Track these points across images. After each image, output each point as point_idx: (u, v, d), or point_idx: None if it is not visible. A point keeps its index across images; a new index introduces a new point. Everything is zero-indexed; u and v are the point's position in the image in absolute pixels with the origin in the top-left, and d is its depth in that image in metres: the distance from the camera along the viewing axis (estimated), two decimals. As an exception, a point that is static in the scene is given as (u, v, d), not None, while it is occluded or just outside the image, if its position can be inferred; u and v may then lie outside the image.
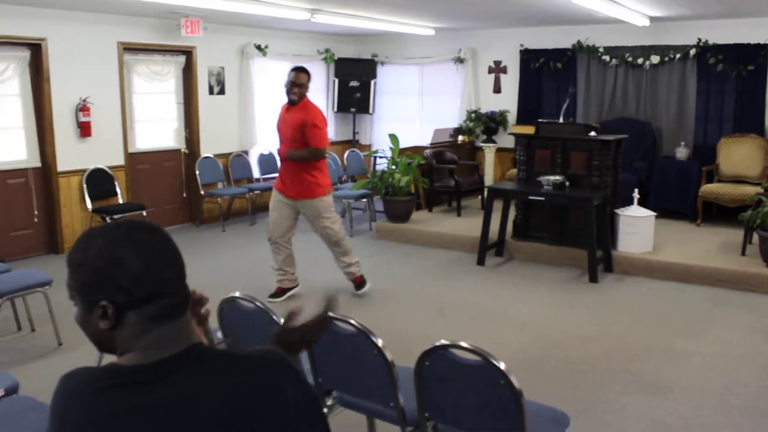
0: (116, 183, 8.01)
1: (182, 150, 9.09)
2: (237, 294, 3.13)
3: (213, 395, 1.18)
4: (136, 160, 8.49)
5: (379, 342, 2.70)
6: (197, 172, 8.96)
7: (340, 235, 5.92)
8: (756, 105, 8.41)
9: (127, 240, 1.23)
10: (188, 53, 8.87)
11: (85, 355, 4.58)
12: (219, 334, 3.25)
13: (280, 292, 6.03)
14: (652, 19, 8.20)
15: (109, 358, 1.26)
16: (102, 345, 1.27)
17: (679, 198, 8.46)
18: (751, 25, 8.27)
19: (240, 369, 1.24)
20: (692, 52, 8.68)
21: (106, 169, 7.95)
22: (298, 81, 5.61)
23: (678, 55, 8.78)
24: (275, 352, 1.33)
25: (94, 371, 1.24)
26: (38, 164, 7.54)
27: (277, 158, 6.59)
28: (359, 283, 6.13)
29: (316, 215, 5.82)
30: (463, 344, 2.48)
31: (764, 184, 7.70)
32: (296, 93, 5.61)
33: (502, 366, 2.38)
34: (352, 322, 2.76)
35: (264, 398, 1.21)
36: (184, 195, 9.18)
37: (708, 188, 8.18)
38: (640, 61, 9.07)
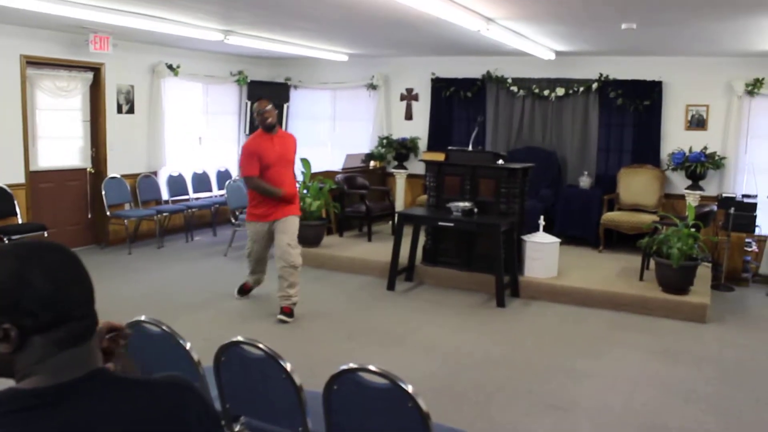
0: (16, 202, 7.67)
1: (88, 169, 8.82)
2: (143, 317, 3.05)
3: (114, 421, 1.16)
4: (38, 179, 8.17)
5: (288, 366, 2.69)
6: (103, 193, 8.70)
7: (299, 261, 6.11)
8: (652, 138, 8.87)
9: (37, 260, 1.18)
10: (96, 70, 8.64)
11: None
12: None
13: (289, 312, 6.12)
14: (558, 53, 8.55)
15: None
16: None
17: (582, 225, 8.79)
18: (647, 63, 8.75)
19: (142, 394, 1.23)
20: (594, 86, 9.08)
21: (5, 187, 7.61)
22: (269, 108, 6.03)
23: (581, 88, 9.17)
24: (177, 377, 1.32)
25: None
26: (-70, 181, 7.17)
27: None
28: (288, 312, 6.10)
29: (293, 230, 6.10)
30: (371, 368, 2.50)
31: (660, 212, 8.09)
32: (270, 118, 6.01)
33: (409, 389, 2.41)
34: (261, 346, 2.74)
35: (166, 422, 1.21)
36: (89, 216, 8.88)
37: (609, 216, 8.54)
38: (546, 92, 9.41)
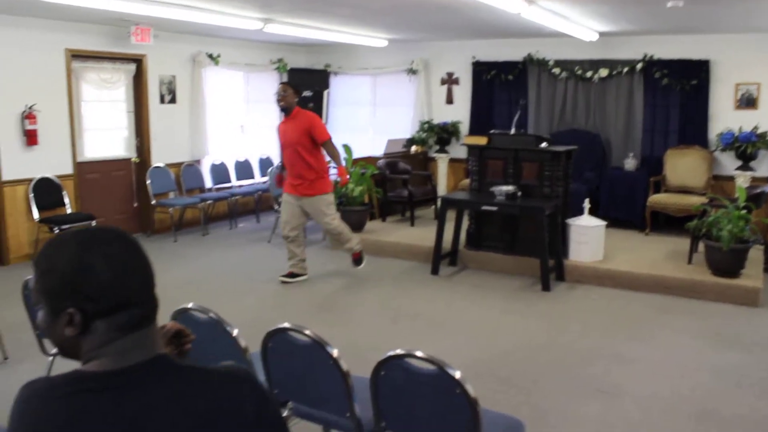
0: (64, 193, 7.84)
1: (133, 159, 8.95)
2: (190, 305, 3.09)
3: (170, 408, 1.17)
4: (85, 169, 8.33)
5: (335, 352, 2.70)
6: (148, 182, 8.83)
7: (339, 228, 6.82)
8: (699, 118, 8.66)
9: (98, 247, 1.21)
10: (139, 61, 8.74)
11: (32, 368, 4.46)
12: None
13: (289, 275, 6.85)
14: (601, 33, 8.39)
15: (58, 368, 1.23)
16: (66, 351, 1.25)
17: (627, 208, 8.64)
18: (694, 42, 8.53)
19: (200, 383, 1.22)
20: (639, 66, 8.90)
21: (54, 178, 7.77)
22: (281, 91, 6.51)
23: (625, 69, 8.99)
24: (238, 367, 1.30)
25: (56, 378, 1.21)
26: (-18, 173, 7.35)
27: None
28: (357, 258, 6.97)
29: (316, 211, 6.67)
30: (419, 354, 2.49)
31: (708, 194, 7.92)
32: (281, 100, 6.49)
33: (457, 375, 2.40)
34: (308, 332, 2.75)
35: (224, 412, 1.20)
36: (135, 205, 9.03)
37: (655, 198, 8.38)
38: (589, 74, 9.25)
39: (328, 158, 6.68)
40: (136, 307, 1.22)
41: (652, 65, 8.84)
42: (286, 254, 6.89)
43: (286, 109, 6.52)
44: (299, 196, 6.59)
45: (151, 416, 1.15)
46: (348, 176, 6.92)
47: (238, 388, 1.24)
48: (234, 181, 10.15)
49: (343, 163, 7.12)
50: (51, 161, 7.77)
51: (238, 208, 9.86)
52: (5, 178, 7.38)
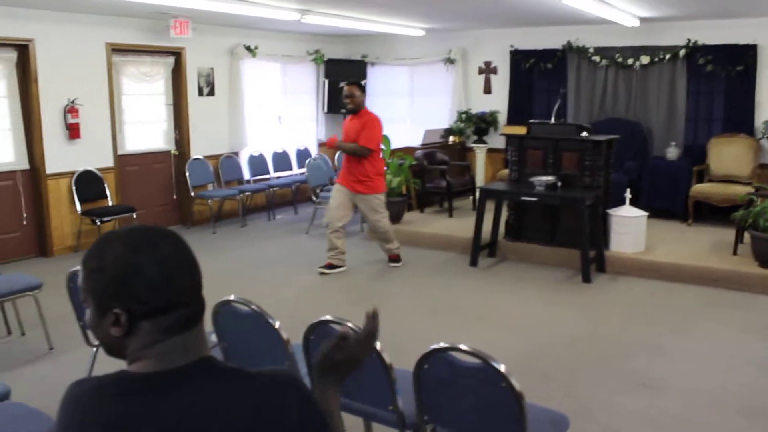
0: (106, 185, 7.94)
1: (172, 152, 9.03)
2: (231, 297, 3.10)
3: (217, 411, 1.15)
4: (125, 162, 8.43)
5: (377, 344, 2.67)
6: (187, 174, 8.91)
7: (386, 228, 6.86)
8: (745, 105, 8.43)
9: (147, 247, 1.20)
10: (177, 54, 8.81)
11: (76, 358, 4.53)
12: (213, 338, 3.22)
13: (328, 266, 6.84)
14: (642, 19, 8.22)
15: (101, 365, 1.22)
16: (111, 350, 1.24)
17: (670, 198, 8.48)
18: (740, 26, 8.30)
19: (246, 387, 1.20)
20: (682, 52, 8.70)
21: (95, 171, 7.88)
22: (348, 93, 6.52)
23: (668, 56, 8.80)
24: (285, 372, 1.27)
25: (102, 379, 1.21)
26: (26, 166, 7.47)
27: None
28: (394, 258, 7.06)
29: (369, 209, 6.72)
30: (463, 347, 2.46)
31: (755, 183, 7.73)
32: (349, 102, 6.54)
33: (502, 368, 2.36)
34: (350, 324, 2.73)
35: (267, 420, 1.17)
36: (174, 197, 9.12)
37: (699, 188, 8.21)
38: (630, 61, 9.08)
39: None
40: (184, 308, 1.20)
41: (695, 51, 8.63)
42: (326, 245, 6.87)
43: (354, 111, 6.59)
44: (354, 193, 6.66)
45: (193, 420, 1.14)
46: (333, 145, 6.80)
47: (283, 394, 1.21)
48: (272, 173, 10.19)
49: (348, 150, 6.67)
50: (93, 154, 7.88)
51: (276, 199, 9.90)
52: (49, 171, 7.50)
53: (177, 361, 1.19)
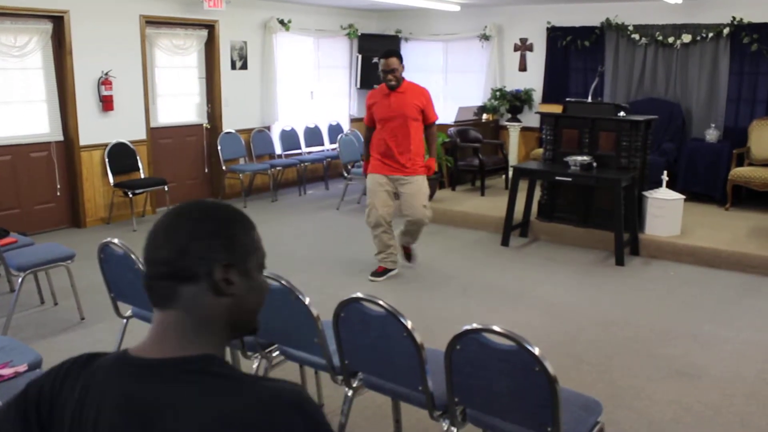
0: (138, 157, 7.97)
1: (204, 125, 9.03)
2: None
3: (200, 415, 1.03)
4: (157, 135, 8.44)
5: (409, 324, 2.63)
6: (219, 148, 8.91)
7: (427, 221, 5.93)
8: (790, 86, 8.19)
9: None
10: (211, 27, 8.77)
11: (107, 328, 4.57)
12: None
13: (381, 272, 6.00)
14: (685, -4, 7.99)
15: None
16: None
17: (707, 181, 8.29)
18: (788, 4, 8.04)
19: (239, 398, 1.05)
20: (726, 31, 8.44)
21: (128, 143, 7.91)
22: (390, 67, 5.58)
23: (710, 34, 8.55)
24: (291, 390, 1.08)
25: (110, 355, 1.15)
26: (60, 138, 7.51)
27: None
28: (408, 254, 6.27)
29: (416, 192, 5.76)
30: (497, 328, 2.40)
31: (797, 167, 7.52)
32: (392, 78, 5.61)
33: (536, 351, 2.30)
34: (381, 303, 2.68)
35: None
36: (206, 170, 9.13)
37: (738, 171, 8.00)
38: (670, 40, 8.85)
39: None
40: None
41: (740, 30, 8.37)
42: (375, 247, 5.98)
43: (395, 87, 5.65)
44: (397, 176, 5.73)
45: (175, 416, 1.04)
46: (434, 166, 6.05)
47: (280, 410, 1.04)
48: (303, 148, 10.16)
49: (434, 147, 6.19)
50: (125, 126, 7.90)
51: (307, 174, 9.88)
52: (83, 143, 7.54)
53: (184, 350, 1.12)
